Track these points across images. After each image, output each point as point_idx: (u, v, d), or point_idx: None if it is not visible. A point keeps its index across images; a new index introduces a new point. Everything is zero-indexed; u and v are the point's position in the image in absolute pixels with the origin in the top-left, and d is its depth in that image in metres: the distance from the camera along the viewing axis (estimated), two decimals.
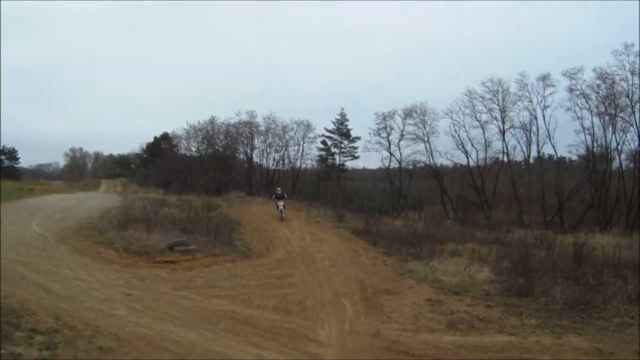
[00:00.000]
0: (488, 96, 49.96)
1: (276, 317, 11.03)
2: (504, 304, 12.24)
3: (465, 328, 10.60)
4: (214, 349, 8.78)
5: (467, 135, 51.47)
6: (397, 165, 55.89)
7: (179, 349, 8.57)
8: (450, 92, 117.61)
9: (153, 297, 12.00)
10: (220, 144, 63.63)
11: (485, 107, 50.26)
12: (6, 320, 8.68)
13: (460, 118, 51.54)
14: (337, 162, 60.90)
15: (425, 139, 53.22)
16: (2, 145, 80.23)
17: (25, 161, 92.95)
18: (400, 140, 54.99)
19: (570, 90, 46.21)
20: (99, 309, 10.49)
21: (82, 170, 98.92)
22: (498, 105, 49.68)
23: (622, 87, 43.89)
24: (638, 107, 43.57)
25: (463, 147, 51.66)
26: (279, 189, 32.14)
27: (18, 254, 15.38)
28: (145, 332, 9.19)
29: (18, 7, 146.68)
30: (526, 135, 49.57)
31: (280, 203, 29.70)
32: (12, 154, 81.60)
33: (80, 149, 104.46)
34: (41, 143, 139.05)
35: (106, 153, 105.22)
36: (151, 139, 79.11)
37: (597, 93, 45.23)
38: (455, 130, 51.75)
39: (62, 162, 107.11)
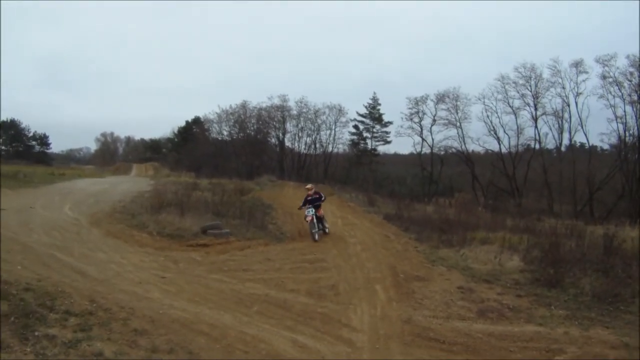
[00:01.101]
0: (521, 82, 49.17)
1: (309, 301, 11.17)
2: (533, 294, 12.18)
3: (495, 317, 10.64)
4: (248, 331, 8.85)
5: (500, 122, 50.84)
6: (428, 151, 55.48)
7: (214, 332, 8.64)
8: (483, 77, 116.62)
9: (187, 280, 12.15)
10: (252, 128, 63.59)
11: (518, 93, 49.52)
12: (40, 302, 8.77)
13: (492, 104, 50.88)
14: (369, 146, 60.79)
15: (458, 124, 52.78)
16: (33, 131, 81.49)
17: (57, 146, 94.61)
18: (432, 126, 54.60)
19: (603, 77, 45.13)
20: (133, 291, 10.64)
21: (113, 155, 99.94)
22: (531, 91, 48.91)
23: None
24: None
25: (495, 134, 51.07)
26: (309, 186, 20.51)
27: (51, 237, 15.57)
28: (179, 315, 9.28)
29: None
30: (558, 122, 48.73)
31: (310, 212, 18.51)
32: (43, 140, 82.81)
33: (112, 133, 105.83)
34: (72, 128, 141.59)
35: (137, 137, 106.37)
36: (183, 123, 79.76)
37: (630, 81, 44.29)
38: (488, 116, 51.14)
39: (93, 147, 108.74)
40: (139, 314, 8.91)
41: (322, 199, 19.40)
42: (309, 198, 19.06)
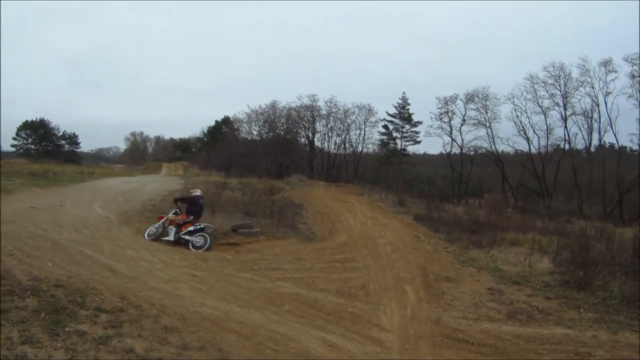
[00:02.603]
0: (550, 81, 48.29)
1: (339, 301, 11.19)
2: (562, 296, 12.12)
3: (524, 319, 10.60)
4: (278, 330, 8.87)
5: (529, 122, 50.08)
6: (458, 151, 55.00)
7: (244, 330, 8.66)
8: (512, 76, 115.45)
9: (217, 278, 12.21)
10: (281, 128, 63.58)
11: (547, 92, 48.67)
12: (71, 299, 8.87)
13: (522, 103, 50.13)
14: (399, 146, 60.65)
15: (487, 124, 52.16)
16: (62, 130, 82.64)
17: (86, 146, 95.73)
18: (462, 126, 54.01)
19: (632, 76, 44.19)
20: (164, 289, 10.69)
21: (142, 154, 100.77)
22: (560, 90, 47.99)
23: None
24: None
25: (524, 134, 50.31)
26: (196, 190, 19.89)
27: (82, 235, 15.67)
28: (210, 313, 9.32)
29: None
30: (588, 122, 47.77)
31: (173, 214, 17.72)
32: (72, 139, 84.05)
33: (141, 133, 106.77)
34: (102, 128, 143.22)
35: (167, 137, 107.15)
36: (212, 123, 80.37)
37: None
38: (517, 116, 50.35)
39: (122, 146, 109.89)
40: (169, 312, 8.97)
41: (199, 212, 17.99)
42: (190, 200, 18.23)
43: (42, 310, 8.02)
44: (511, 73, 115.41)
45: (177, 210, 17.94)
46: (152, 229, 17.16)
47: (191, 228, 16.79)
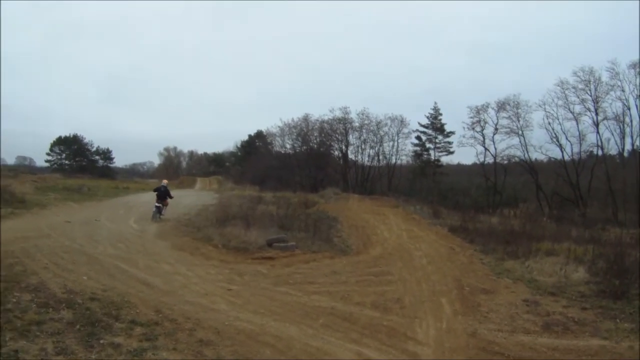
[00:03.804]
0: (580, 86, 47.18)
1: (375, 314, 11.10)
2: (599, 307, 11.98)
3: (560, 330, 10.48)
4: (313, 344, 8.84)
5: (561, 128, 48.95)
6: (491, 160, 54.13)
7: (279, 344, 8.65)
8: (542, 82, 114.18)
9: (253, 292, 12.20)
10: (314, 141, 63.46)
11: (578, 97, 47.48)
12: (106, 311, 9.00)
13: (553, 110, 49.00)
14: (432, 157, 60.28)
15: (519, 132, 51.13)
16: (96, 145, 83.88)
17: (120, 161, 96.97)
18: (494, 135, 53.08)
19: None
20: (199, 302, 10.75)
21: (176, 169, 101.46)
22: (590, 95, 46.89)
23: None
24: None
25: (557, 141, 49.19)
26: (165, 181, 27.93)
27: (117, 249, 15.91)
28: (245, 326, 9.33)
29: (105, 11, 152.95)
30: (620, 126, 46.80)
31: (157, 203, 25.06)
32: (106, 154, 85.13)
33: (175, 148, 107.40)
34: (135, 144, 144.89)
35: (200, 152, 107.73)
36: (245, 137, 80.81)
37: None
38: (549, 123, 49.25)
39: (156, 161, 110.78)
40: (204, 325, 9.02)
41: (170, 195, 25.84)
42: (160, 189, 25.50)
43: (77, 322, 8.16)
44: (542, 79, 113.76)
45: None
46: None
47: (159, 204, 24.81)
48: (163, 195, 25.27)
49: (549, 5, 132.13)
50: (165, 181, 27.40)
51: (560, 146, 49.06)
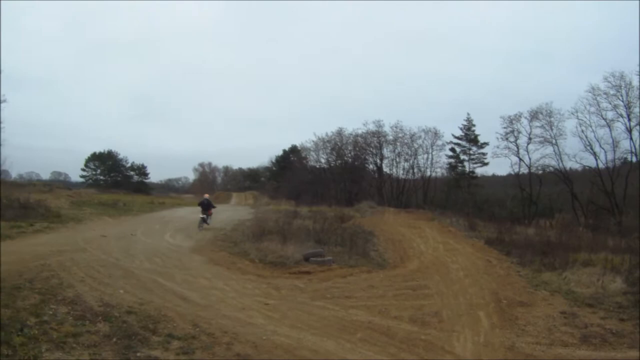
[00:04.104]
0: (612, 92, 45.56)
1: (412, 328, 11.05)
2: (637, 318, 11.80)
3: (598, 342, 10.44)
4: (350, 358, 8.81)
5: (594, 135, 47.43)
6: (526, 171, 53.07)
7: (316, 358, 8.62)
8: (574, 89, 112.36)
9: (290, 306, 12.15)
10: (349, 155, 63.54)
11: (610, 104, 45.84)
12: (143, 325, 9.02)
13: (586, 117, 47.24)
14: (467, 169, 59.85)
15: (553, 141, 49.85)
16: (131, 161, 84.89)
17: (155, 176, 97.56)
18: (528, 144, 51.83)
19: None
20: (237, 317, 10.72)
21: (211, 184, 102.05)
22: (622, 101, 45.26)
23: None
24: None
25: (591, 149, 47.50)
26: (206, 195, 32.81)
27: (153, 263, 15.98)
28: (282, 341, 9.28)
29: (139, 29, 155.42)
30: None
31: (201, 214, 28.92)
32: (141, 170, 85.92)
33: (209, 163, 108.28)
34: (170, 159, 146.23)
35: (235, 167, 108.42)
36: (280, 152, 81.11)
37: None
38: (582, 131, 47.59)
39: (191, 176, 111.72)
40: (241, 339, 8.98)
41: (213, 205, 29.83)
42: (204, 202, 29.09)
43: (114, 335, 8.17)
44: (573, 85, 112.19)
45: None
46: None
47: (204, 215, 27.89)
48: (206, 206, 28.46)
49: (575, 9, 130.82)
50: (206, 195, 31.73)
51: (594, 154, 47.90)
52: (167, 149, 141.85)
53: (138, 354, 7.56)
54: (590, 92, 45.86)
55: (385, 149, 60.73)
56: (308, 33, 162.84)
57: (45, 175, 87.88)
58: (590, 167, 48.17)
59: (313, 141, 66.74)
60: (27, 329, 7.88)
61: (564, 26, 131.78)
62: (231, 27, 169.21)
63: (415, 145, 58.98)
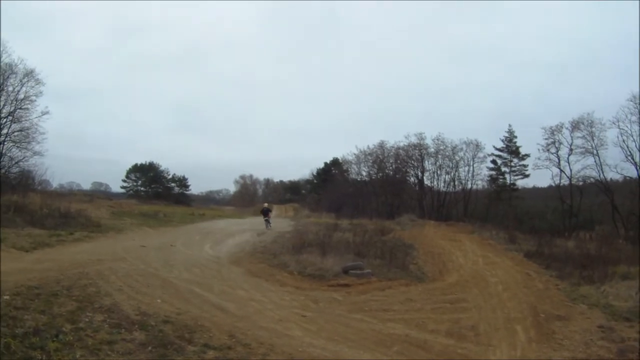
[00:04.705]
0: None
1: (449, 342, 11.08)
2: None
3: (635, 357, 10.56)
4: None
5: (636, 145, 46.50)
6: (567, 182, 52.48)
7: None
8: (616, 99, 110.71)
9: (327, 319, 12.13)
10: (390, 168, 63.92)
11: None
12: (179, 334, 9.04)
13: (627, 127, 46.24)
14: (508, 181, 59.26)
15: (594, 152, 49.01)
16: (172, 173, 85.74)
17: (196, 188, 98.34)
18: (569, 155, 51.22)
19: None
20: (273, 328, 10.71)
21: (252, 196, 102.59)
22: None
23: None
24: None
25: (632, 159, 46.57)
26: (266, 204, 43.72)
27: (192, 274, 16.05)
28: (319, 353, 9.26)
29: (181, 40, 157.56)
30: None
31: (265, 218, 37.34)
32: (182, 181, 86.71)
33: (251, 175, 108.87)
34: (211, 171, 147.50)
35: (276, 179, 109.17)
36: (321, 165, 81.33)
37: None
38: (623, 141, 46.63)
39: (232, 188, 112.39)
40: (278, 351, 8.97)
41: (271, 210, 42.87)
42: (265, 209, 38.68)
43: (149, 344, 8.21)
44: (616, 94, 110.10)
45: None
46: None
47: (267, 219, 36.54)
48: (266, 212, 38.12)
49: (619, 15, 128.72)
50: (266, 204, 42.97)
51: (636, 164, 47.14)
52: (208, 161, 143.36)
53: None
54: (631, 100, 44.96)
55: (426, 162, 61.14)
56: (349, 45, 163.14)
57: (86, 186, 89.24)
58: (631, 178, 47.30)
59: (355, 154, 67.49)
60: (63, 335, 7.95)
61: (606, 33, 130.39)
62: (274, 38, 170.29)
63: (457, 158, 59.15)
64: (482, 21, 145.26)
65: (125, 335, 8.42)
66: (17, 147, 41.01)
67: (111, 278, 13.13)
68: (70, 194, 51.41)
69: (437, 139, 59.58)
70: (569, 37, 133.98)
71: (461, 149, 58.73)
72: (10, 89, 40.21)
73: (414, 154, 61.56)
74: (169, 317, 10.09)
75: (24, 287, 10.76)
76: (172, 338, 8.71)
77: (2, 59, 38.98)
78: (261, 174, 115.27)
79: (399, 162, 62.93)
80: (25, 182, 37.83)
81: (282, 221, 45.10)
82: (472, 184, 60.03)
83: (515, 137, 57.85)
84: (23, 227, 21.79)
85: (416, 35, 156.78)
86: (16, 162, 40.80)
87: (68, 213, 27.23)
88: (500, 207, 56.47)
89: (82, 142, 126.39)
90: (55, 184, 51.46)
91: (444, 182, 60.90)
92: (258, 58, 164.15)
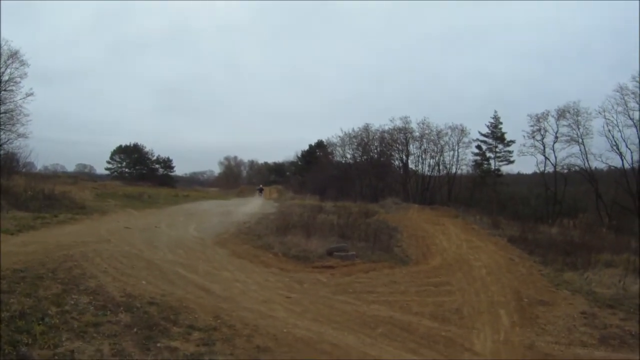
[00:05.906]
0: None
1: (433, 325, 11.25)
2: None
3: (617, 344, 10.73)
4: (370, 353, 8.90)
5: (621, 135, 46.80)
6: (552, 170, 52.83)
7: (336, 352, 8.69)
8: (602, 88, 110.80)
9: (312, 300, 12.26)
10: (375, 151, 63.98)
11: (638, 104, 45.23)
12: (164, 316, 9.10)
13: (613, 117, 46.80)
14: (493, 167, 59.31)
15: (580, 140, 49.63)
16: (157, 154, 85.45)
17: (180, 169, 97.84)
18: (554, 143, 51.63)
19: None
20: (258, 309, 10.79)
21: (237, 178, 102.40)
22: None
23: None
24: None
25: (617, 149, 47.05)
26: (261, 186, 62.57)
27: (176, 255, 16.04)
28: (303, 334, 9.35)
29: (166, 23, 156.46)
30: None
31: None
32: (166, 163, 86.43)
33: (235, 157, 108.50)
34: (196, 152, 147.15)
35: (261, 161, 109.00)
36: (306, 147, 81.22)
37: None
38: (609, 130, 47.06)
39: (216, 170, 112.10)
40: (262, 332, 9.05)
41: (263, 190, 63.14)
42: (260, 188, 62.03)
43: (135, 325, 8.26)
44: (601, 84, 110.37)
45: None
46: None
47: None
48: (260, 191, 60.30)
49: (605, 8, 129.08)
50: (261, 185, 60.50)
51: (620, 154, 47.47)
52: (193, 143, 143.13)
53: (158, 345, 7.63)
54: (618, 91, 45.26)
55: (411, 146, 60.86)
56: (337, 30, 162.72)
57: (71, 168, 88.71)
58: (615, 167, 47.67)
59: (339, 136, 67.38)
60: (48, 318, 7.98)
61: (596, 26, 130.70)
62: (261, 21, 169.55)
63: (442, 142, 58.87)
64: (475, 10, 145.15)
65: (110, 317, 8.46)
66: (2, 129, 40.68)
67: (96, 260, 13.06)
68: (54, 176, 51.14)
69: (422, 123, 59.53)
70: (559, 27, 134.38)
71: (446, 133, 58.63)
72: None
73: (398, 138, 61.54)
74: (154, 298, 10.12)
75: (9, 271, 10.70)
76: (157, 319, 8.76)
77: None
78: (246, 156, 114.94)
79: (383, 145, 62.91)
80: (10, 164, 37.51)
81: (265, 202, 45.08)
82: (456, 169, 60.05)
83: (501, 123, 57.80)
84: (7, 210, 21.65)
85: (407, 23, 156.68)
86: (0, 145, 40.48)
87: (52, 195, 27.01)
88: (484, 192, 56.62)
89: (66, 124, 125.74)
90: (39, 166, 51.21)
91: (429, 166, 60.79)
92: (244, 41, 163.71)
